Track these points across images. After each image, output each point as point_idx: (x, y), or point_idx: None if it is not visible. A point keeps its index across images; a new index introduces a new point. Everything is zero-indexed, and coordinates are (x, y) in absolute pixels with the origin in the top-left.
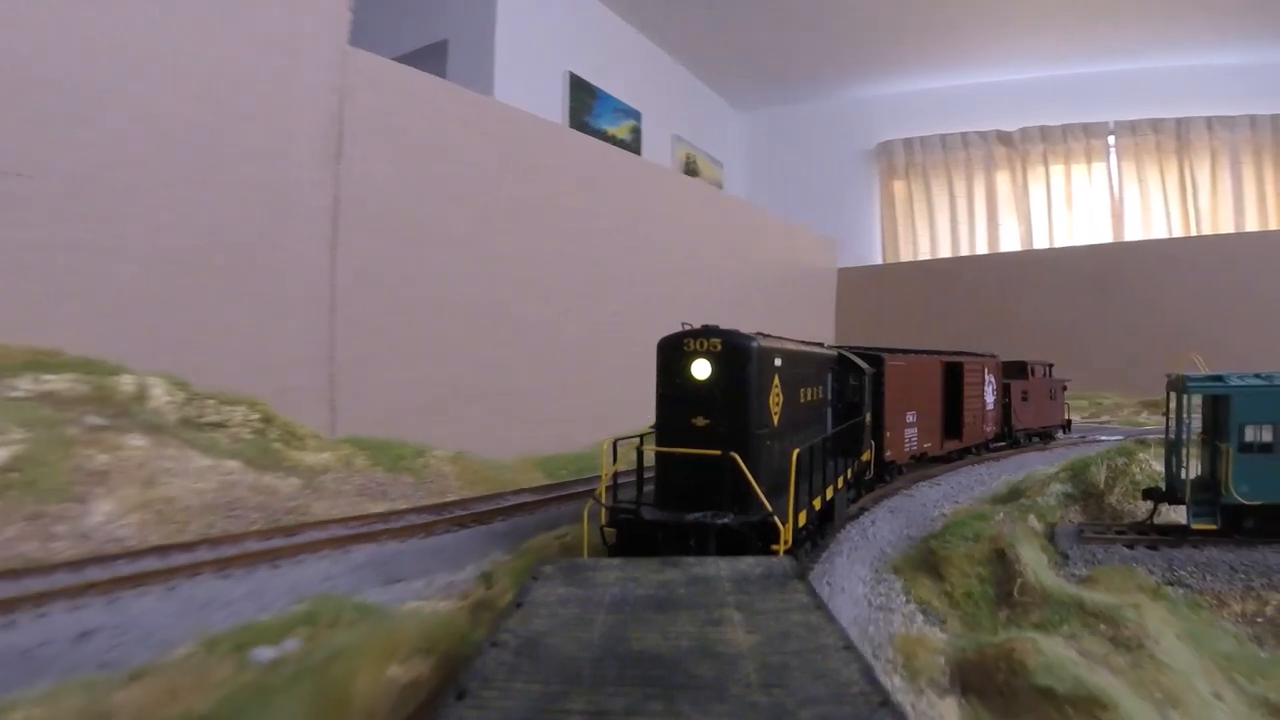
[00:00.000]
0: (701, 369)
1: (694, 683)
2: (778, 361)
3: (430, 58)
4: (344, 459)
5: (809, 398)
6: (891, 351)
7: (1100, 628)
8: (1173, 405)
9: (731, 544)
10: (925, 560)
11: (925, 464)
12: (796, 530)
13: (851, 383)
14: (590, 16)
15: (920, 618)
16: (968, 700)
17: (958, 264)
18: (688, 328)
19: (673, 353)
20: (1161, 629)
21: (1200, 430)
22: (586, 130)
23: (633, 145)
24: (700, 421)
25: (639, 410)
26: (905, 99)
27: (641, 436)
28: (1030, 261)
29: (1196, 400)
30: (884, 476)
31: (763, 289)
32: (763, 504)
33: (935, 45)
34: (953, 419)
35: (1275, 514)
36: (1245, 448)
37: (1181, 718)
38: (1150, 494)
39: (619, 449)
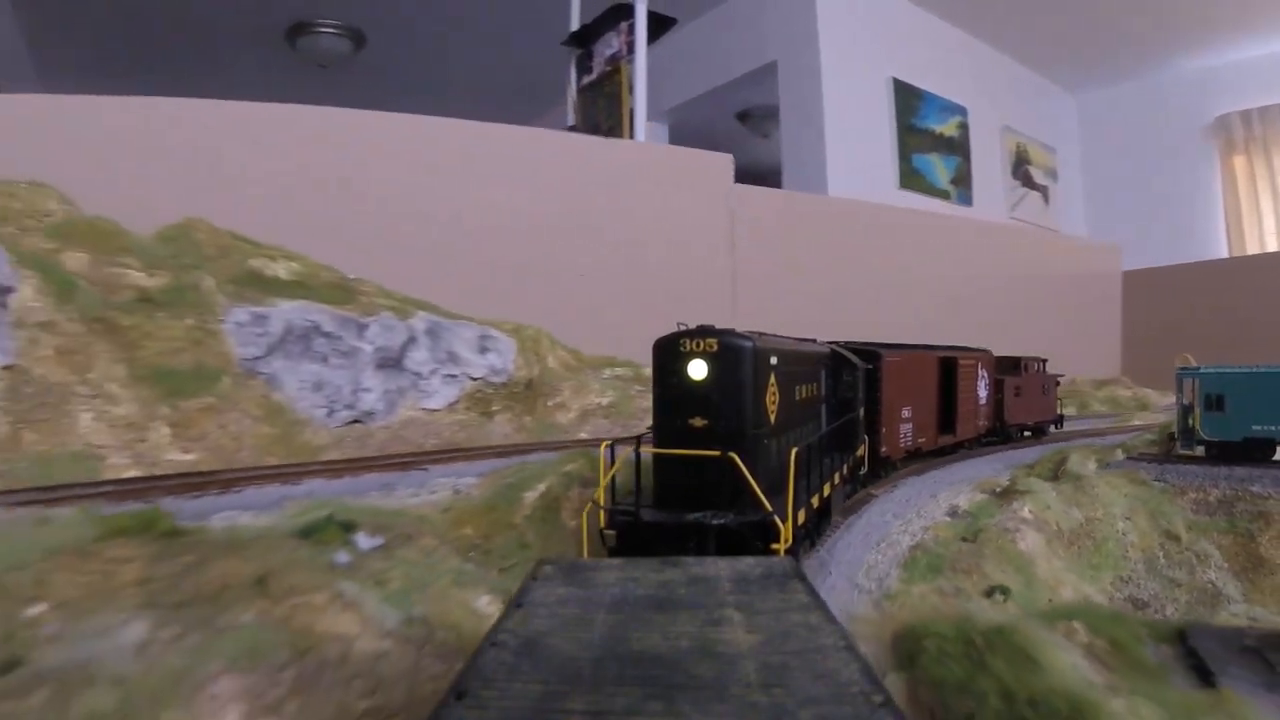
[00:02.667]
0: (698, 369)
1: (694, 683)
2: (774, 360)
3: (762, 78)
4: None
5: (805, 395)
6: (888, 347)
7: (1077, 482)
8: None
9: (731, 544)
10: (1031, 465)
11: (919, 459)
12: (795, 529)
13: (845, 379)
14: (909, 22)
15: (1006, 477)
16: (990, 494)
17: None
18: (683, 327)
19: (669, 354)
20: (1106, 488)
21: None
22: (913, 132)
23: (961, 141)
24: (698, 422)
25: None
26: (1239, 66)
27: (638, 438)
28: None
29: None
30: (879, 472)
31: (1033, 308)
32: (762, 504)
33: (1267, 2)
34: (947, 414)
35: (1230, 447)
36: (1207, 407)
37: (1078, 510)
38: (1170, 435)
39: (616, 451)
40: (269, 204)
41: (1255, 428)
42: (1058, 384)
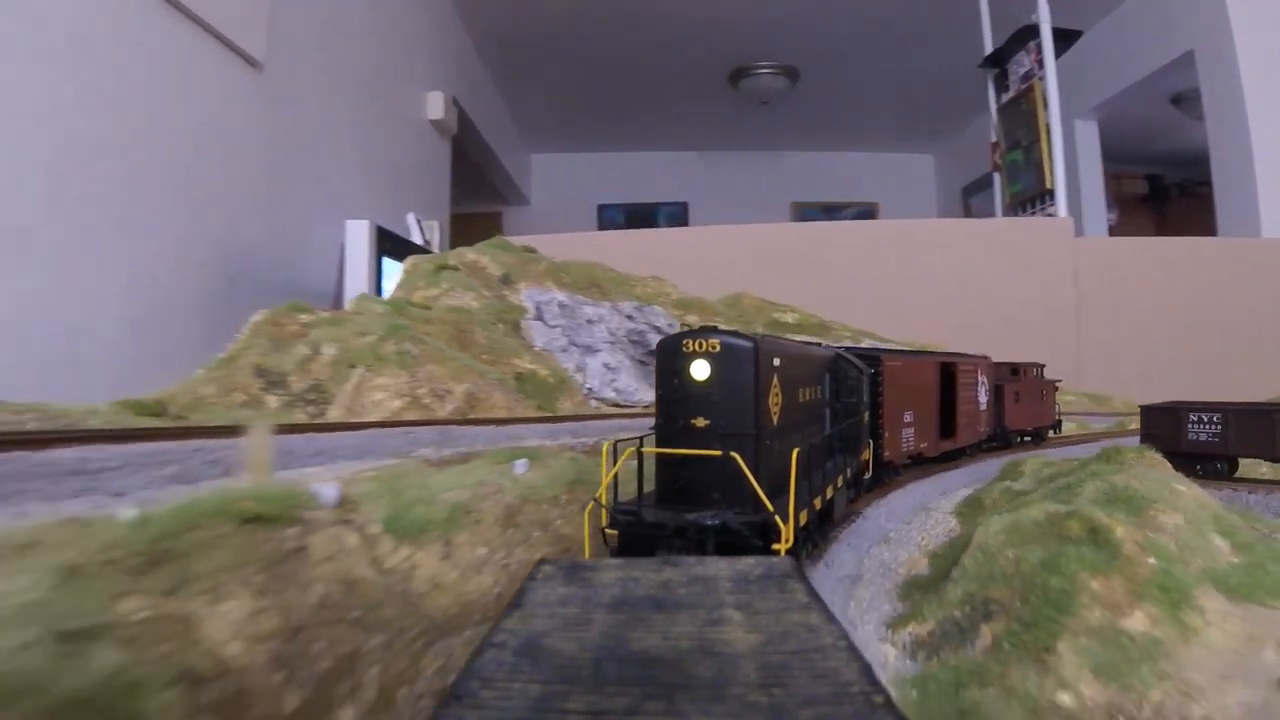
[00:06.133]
0: (700, 370)
1: (694, 683)
2: (776, 361)
3: (1177, 69)
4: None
5: (807, 397)
6: (888, 351)
7: None
8: None
9: (732, 544)
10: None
11: (920, 464)
12: (797, 529)
13: (849, 383)
14: None
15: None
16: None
17: None
18: (685, 328)
19: (672, 354)
20: None
21: None
22: None
23: None
24: (700, 422)
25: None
26: None
27: (641, 439)
28: None
29: None
30: (882, 477)
31: None
32: (764, 504)
33: None
34: (947, 419)
35: None
36: None
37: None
38: None
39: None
40: (773, 278)
41: None
42: (1056, 389)
